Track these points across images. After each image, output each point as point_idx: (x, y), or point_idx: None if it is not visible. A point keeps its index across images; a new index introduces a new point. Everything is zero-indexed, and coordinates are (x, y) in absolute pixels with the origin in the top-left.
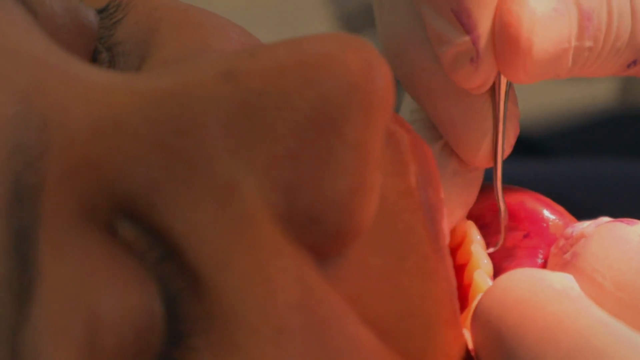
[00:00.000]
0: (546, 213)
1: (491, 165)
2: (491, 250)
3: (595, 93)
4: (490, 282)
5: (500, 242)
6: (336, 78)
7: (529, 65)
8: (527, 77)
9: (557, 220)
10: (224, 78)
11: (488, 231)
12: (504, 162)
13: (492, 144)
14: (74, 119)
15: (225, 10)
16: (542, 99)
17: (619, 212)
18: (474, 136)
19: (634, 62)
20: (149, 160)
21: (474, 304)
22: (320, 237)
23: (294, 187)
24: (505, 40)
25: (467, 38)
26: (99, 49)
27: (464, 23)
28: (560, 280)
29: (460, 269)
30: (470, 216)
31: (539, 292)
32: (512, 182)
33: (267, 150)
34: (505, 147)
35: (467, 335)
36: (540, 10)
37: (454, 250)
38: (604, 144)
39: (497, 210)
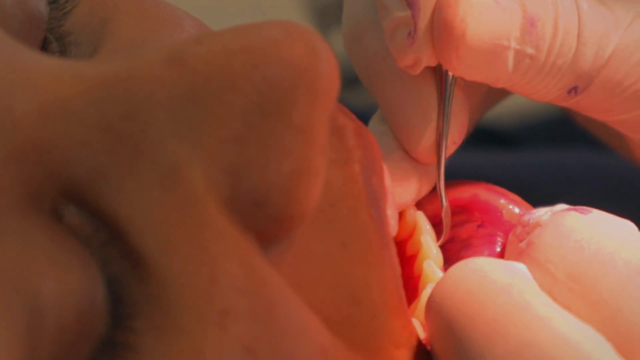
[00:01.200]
0: (501, 202)
1: (433, 161)
2: (438, 243)
3: None
4: (439, 273)
5: (443, 237)
6: (282, 63)
7: (462, 50)
8: (462, 65)
9: (512, 208)
10: (170, 62)
11: (441, 229)
12: (471, 153)
13: (435, 139)
14: (19, 103)
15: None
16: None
17: (584, 202)
18: (417, 126)
19: (575, 89)
20: (95, 145)
21: (423, 295)
22: (265, 221)
23: (240, 170)
24: (441, 21)
25: (408, 12)
26: (49, 39)
27: None
28: (511, 271)
29: (411, 260)
30: (426, 214)
31: (489, 284)
32: (478, 172)
33: (213, 134)
34: (449, 144)
35: (418, 324)
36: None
37: (404, 241)
38: (572, 135)
39: (451, 207)
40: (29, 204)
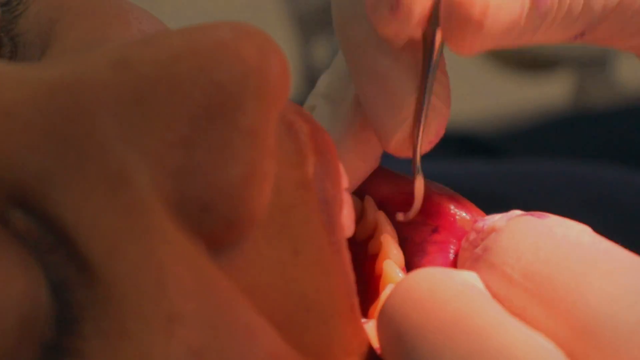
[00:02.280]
0: (452, 208)
1: (406, 154)
2: (400, 218)
3: (549, 94)
4: (400, 273)
5: (412, 214)
6: (229, 65)
7: (479, 37)
8: (473, 50)
9: (464, 215)
10: (116, 66)
11: (393, 218)
12: (448, 162)
13: (410, 133)
14: None
15: (180, 7)
16: (494, 99)
17: (562, 212)
18: (393, 118)
19: (582, 34)
20: (40, 149)
21: (383, 295)
22: (213, 225)
23: (187, 174)
24: (454, 17)
25: None
26: (3, 40)
27: None
28: (462, 279)
29: (372, 260)
30: (379, 203)
31: (439, 292)
32: (455, 182)
33: (159, 138)
34: (424, 142)
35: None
36: None
37: (366, 241)
38: (555, 146)
39: (405, 198)
40: None
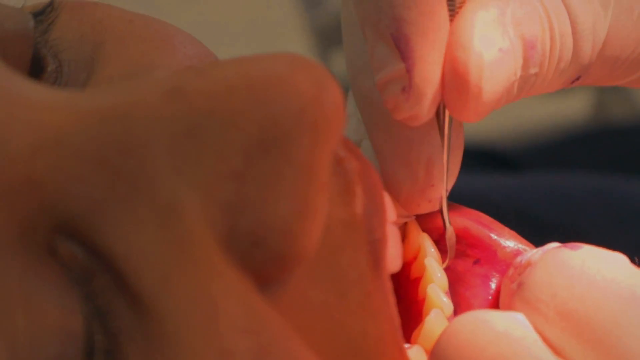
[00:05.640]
0: (493, 237)
1: (414, 212)
2: (442, 266)
3: (569, 108)
4: (444, 298)
5: (447, 261)
6: (284, 100)
7: (479, 108)
8: (476, 118)
9: (503, 243)
10: (169, 97)
11: (441, 247)
12: (474, 176)
13: (415, 190)
14: (14, 137)
15: (200, 22)
16: (515, 114)
17: (586, 226)
18: (402, 170)
19: (577, 79)
20: (91, 180)
21: (427, 320)
22: (262, 261)
23: (238, 208)
24: (454, 87)
25: (402, 65)
26: (43, 54)
27: (401, 50)
28: (504, 321)
29: (415, 283)
30: (438, 228)
31: (480, 335)
32: (481, 195)
33: (211, 170)
34: (448, 184)
35: (421, 351)
36: (486, 54)
37: (409, 263)
38: (576, 159)
39: (443, 230)
40: (24, 241)
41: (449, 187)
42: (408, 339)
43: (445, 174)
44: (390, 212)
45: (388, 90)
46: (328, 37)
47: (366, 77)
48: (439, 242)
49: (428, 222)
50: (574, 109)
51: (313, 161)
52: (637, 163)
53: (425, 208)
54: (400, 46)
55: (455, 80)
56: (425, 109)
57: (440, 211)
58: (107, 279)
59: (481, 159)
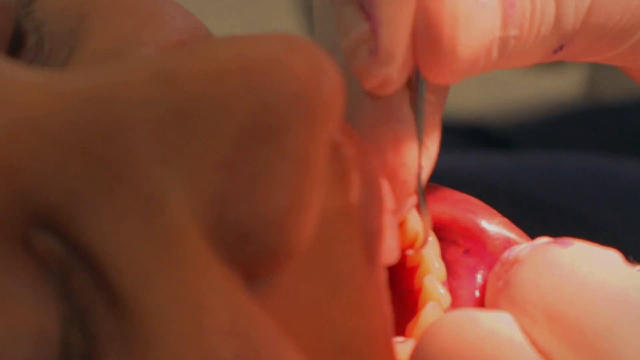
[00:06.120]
0: (483, 227)
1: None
2: (410, 252)
3: (561, 86)
4: (441, 289)
5: (424, 244)
6: (279, 85)
7: (454, 65)
8: (451, 78)
9: (493, 235)
10: (157, 79)
11: (447, 229)
12: (467, 155)
13: (386, 167)
14: None
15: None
16: (507, 91)
17: (581, 206)
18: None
19: (560, 48)
20: (70, 168)
21: (423, 313)
22: (252, 255)
23: (226, 200)
24: (426, 40)
25: (366, 26)
26: (24, 28)
27: (365, 9)
28: (491, 321)
29: (411, 272)
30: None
31: (466, 334)
32: (475, 174)
33: (199, 159)
34: (424, 162)
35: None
36: (461, 4)
37: (405, 251)
38: (569, 138)
39: (438, 219)
40: None
41: (429, 165)
42: (402, 329)
43: (418, 148)
44: (388, 201)
45: (356, 56)
46: None
47: (336, 56)
48: (437, 230)
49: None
50: (566, 86)
51: (308, 150)
52: (629, 142)
53: (400, 190)
54: (364, 6)
55: (427, 33)
56: (396, 71)
57: (416, 190)
58: (86, 276)
59: (473, 137)
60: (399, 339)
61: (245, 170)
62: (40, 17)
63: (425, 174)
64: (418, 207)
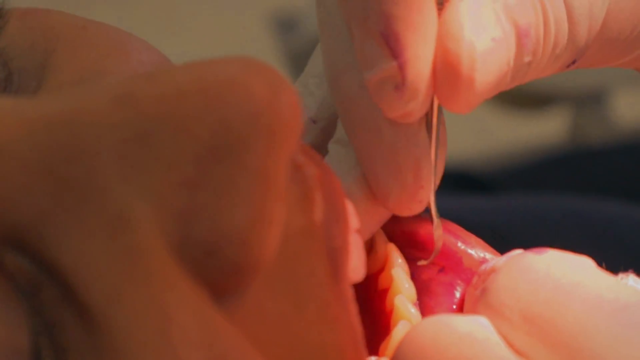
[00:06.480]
0: (458, 245)
1: (405, 214)
2: (422, 262)
3: (545, 130)
4: (411, 309)
5: (433, 256)
6: (238, 104)
7: (471, 97)
8: (468, 108)
9: (471, 253)
10: (118, 102)
11: (421, 248)
12: (447, 197)
13: (404, 194)
14: None
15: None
16: (490, 136)
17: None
18: (388, 172)
19: (573, 62)
20: (37, 190)
21: (394, 332)
22: (217, 271)
23: (191, 217)
24: (446, 78)
25: (393, 63)
26: None
27: (391, 47)
28: (467, 324)
29: (382, 294)
30: (404, 233)
31: (442, 337)
32: (455, 216)
33: (163, 178)
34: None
35: None
36: (478, 44)
37: (376, 274)
38: (552, 181)
39: (408, 236)
40: None
41: (437, 184)
42: (376, 350)
43: (433, 172)
44: (353, 220)
45: (380, 89)
46: (302, 62)
47: (351, 77)
48: (406, 247)
49: (395, 227)
50: (549, 131)
51: (269, 167)
52: (613, 185)
53: (416, 209)
54: (391, 43)
55: (446, 72)
56: (419, 105)
57: (428, 208)
58: (56, 292)
59: (456, 181)
60: (372, 358)
61: (207, 187)
62: (9, 52)
63: (437, 182)
64: (431, 219)
